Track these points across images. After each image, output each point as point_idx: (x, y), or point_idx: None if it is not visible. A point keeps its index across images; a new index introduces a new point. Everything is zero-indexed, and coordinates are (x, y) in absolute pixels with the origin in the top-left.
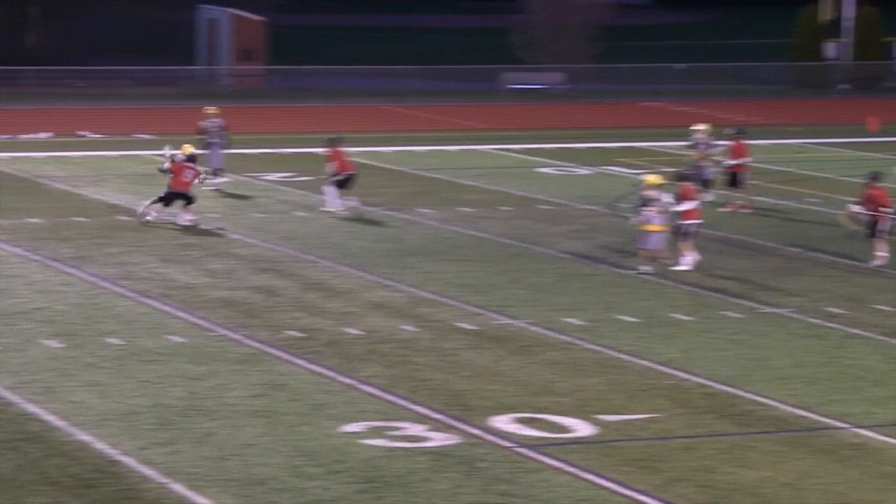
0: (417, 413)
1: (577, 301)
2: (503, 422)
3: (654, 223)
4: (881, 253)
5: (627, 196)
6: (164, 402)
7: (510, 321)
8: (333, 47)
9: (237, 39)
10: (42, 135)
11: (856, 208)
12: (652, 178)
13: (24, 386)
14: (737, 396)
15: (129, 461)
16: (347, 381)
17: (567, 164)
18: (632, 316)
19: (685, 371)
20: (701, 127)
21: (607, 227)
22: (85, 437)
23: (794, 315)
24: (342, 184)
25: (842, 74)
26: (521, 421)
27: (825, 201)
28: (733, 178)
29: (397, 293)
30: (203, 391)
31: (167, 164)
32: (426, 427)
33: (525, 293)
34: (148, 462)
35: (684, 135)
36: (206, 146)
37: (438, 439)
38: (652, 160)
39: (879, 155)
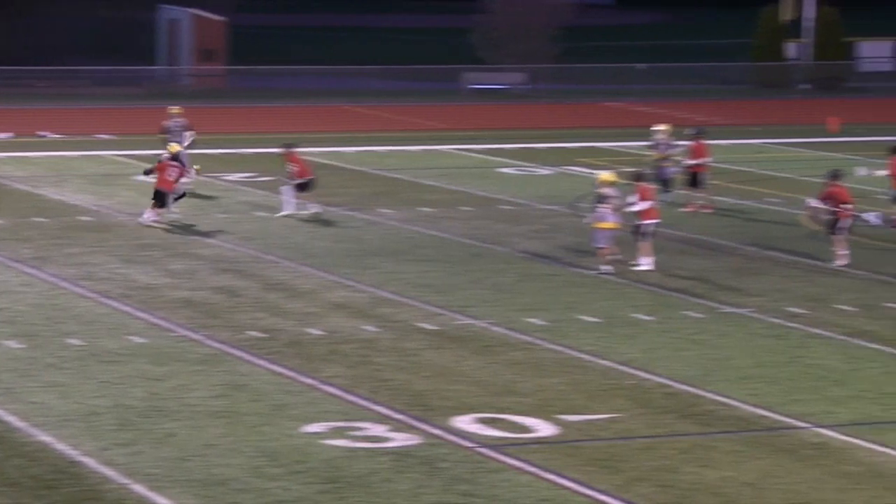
0: (379, 413)
1: (538, 301)
2: (465, 422)
3: (608, 220)
4: (842, 252)
5: (588, 196)
6: (125, 402)
7: (471, 321)
8: (294, 47)
9: (198, 39)
10: (2, 135)
11: (816, 204)
12: (605, 176)
13: None
14: (698, 396)
15: (89, 462)
16: (309, 381)
17: (528, 165)
18: (593, 316)
19: (646, 371)
20: (661, 127)
21: (568, 227)
22: (45, 437)
23: (755, 315)
24: (302, 188)
25: (802, 74)
26: (483, 421)
27: (786, 201)
28: (693, 178)
29: (359, 293)
30: (164, 392)
31: (150, 166)
32: (388, 427)
33: (486, 293)
34: (109, 463)
35: (645, 135)
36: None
37: (400, 439)
38: (613, 160)
39: (840, 155)
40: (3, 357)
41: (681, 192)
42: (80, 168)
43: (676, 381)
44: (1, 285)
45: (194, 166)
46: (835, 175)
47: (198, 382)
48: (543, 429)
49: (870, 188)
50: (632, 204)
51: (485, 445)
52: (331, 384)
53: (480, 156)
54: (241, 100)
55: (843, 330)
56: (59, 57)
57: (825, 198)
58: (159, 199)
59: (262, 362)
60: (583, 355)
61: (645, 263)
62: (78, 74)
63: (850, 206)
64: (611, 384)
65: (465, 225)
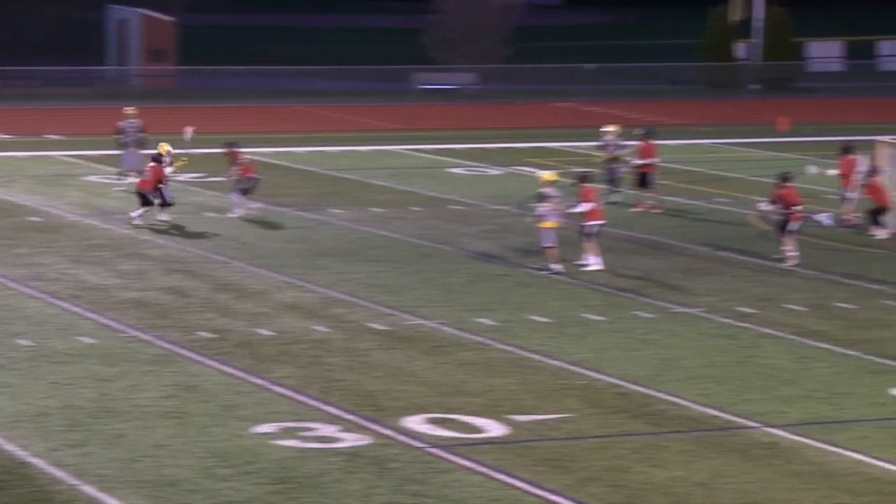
0: (329, 414)
1: (488, 301)
2: (415, 422)
3: (549, 220)
4: (791, 252)
5: (537, 196)
6: (75, 403)
7: (422, 321)
8: (244, 47)
9: (147, 40)
10: None
11: (766, 207)
12: (547, 175)
13: None
14: (649, 396)
15: (39, 463)
16: (259, 381)
17: (478, 165)
18: (543, 316)
19: (597, 371)
20: (610, 128)
21: (518, 227)
22: None
23: (706, 315)
24: (246, 190)
25: (752, 75)
26: (434, 421)
27: (736, 201)
28: (642, 179)
29: (309, 294)
30: (114, 392)
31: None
32: (338, 428)
33: (437, 293)
34: (58, 464)
35: (595, 135)
36: (122, 146)
37: (351, 440)
38: (563, 160)
39: (789, 155)
40: None
41: (630, 193)
42: (29, 168)
43: (627, 380)
44: None
45: (182, 159)
46: (784, 177)
47: (148, 383)
48: (494, 429)
49: (820, 188)
50: (574, 205)
51: (435, 446)
52: (281, 385)
53: (431, 156)
54: (190, 100)
55: (793, 330)
56: (8, 57)
57: (775, 200)
58: (142, 199)
59: (212, 363)
60: (533, 355)
61: (593, 262)
62: (27, 74)
63: (800, 208)
64: (562, 384)
65: (415, 225)
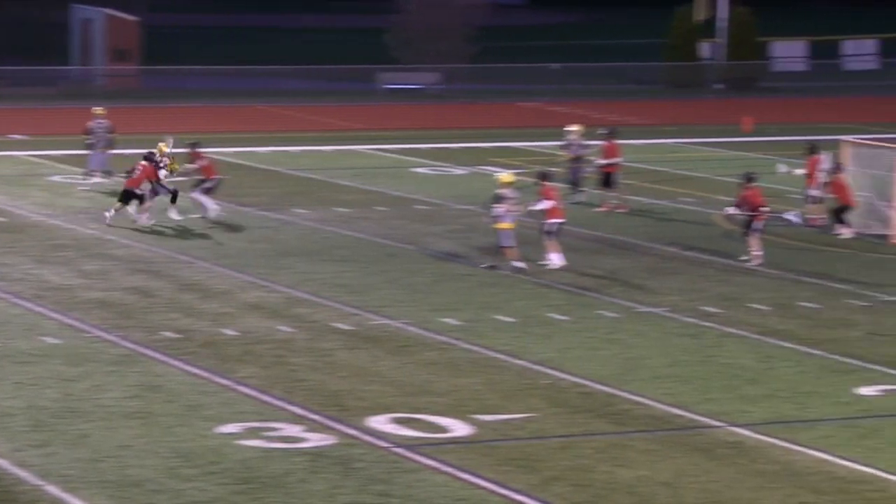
0: (294, 414)
1: (453, 301)
2: (380, 422)
3: (505, 221)
4: (756, 252)
5: (494, 197)
6: (39, 403)
7: (387, 321)
8: (208, 47)
9: (111, 39)
10: None
11: (732, 210)
12: (505, 177)
13: None
14: (613, 396)
15: (2, 463)
16: (223, 381)
17: (442, 164)
18: (508, 316)
19: (562, 370)
20: (574, 128)
21: (483, 227)
22: None
23: (670, 314)
24: (209, 190)
25: (716, 74)
26: (398, 421)
27: (700, 201)
28: (606, 178)
29: (273, 294)
30: (78, 392)
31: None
32: (303, 428)
33: (401, 293)
34: (22, 464)
35: (559, 135)
36: (89, 147)
37: (315, 440)
38: (527, 160)
39: (753, 154)
40: None
41: (595, 193)
42: None
43: (592, 380)
44: None
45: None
46: (749, 177)
47: (112, 383)
48: (459, 429)
49: (785, 187)
50: (534, 203)
51: (400, 445)
52: (246, 384)
53: (395, 156)
54: (154, 100)
55: (757, 329)
56: None
57: (740, 203)
58: (135, 197)
59: (176, 363)
60: (498, 355)
61: (555, 259)
62: None
63: (765, 209)
64: (526, 384)
65: (380, 225)
